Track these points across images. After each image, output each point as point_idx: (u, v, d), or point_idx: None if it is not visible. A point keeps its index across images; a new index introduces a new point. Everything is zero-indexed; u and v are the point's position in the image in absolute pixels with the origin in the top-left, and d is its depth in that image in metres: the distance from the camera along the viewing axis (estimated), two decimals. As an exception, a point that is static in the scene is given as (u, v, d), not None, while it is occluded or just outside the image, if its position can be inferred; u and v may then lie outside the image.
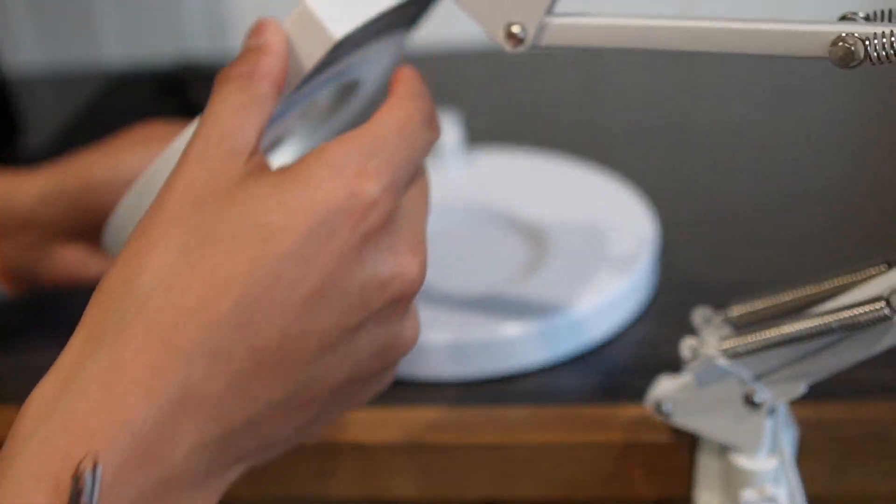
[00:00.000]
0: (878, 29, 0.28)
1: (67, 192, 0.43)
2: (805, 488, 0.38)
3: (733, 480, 0.38)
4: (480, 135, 0.58)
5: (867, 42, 0.28)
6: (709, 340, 0.36)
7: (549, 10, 0.32)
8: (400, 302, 0.27)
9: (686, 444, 0.40)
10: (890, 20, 0.29)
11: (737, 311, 0.37)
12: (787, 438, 0.39)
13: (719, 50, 0.30)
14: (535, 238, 0.52)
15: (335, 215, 0.24)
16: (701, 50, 0.30)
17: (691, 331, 0.39)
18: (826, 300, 0.35)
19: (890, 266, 0.34)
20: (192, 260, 0.24)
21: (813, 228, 0.56)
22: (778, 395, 0.36)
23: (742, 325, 0.37)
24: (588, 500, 0.43)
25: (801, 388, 0.36)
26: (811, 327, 0.33)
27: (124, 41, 1.00)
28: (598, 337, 0.46)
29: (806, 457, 0.40)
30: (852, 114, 0.75)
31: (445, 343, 0.44)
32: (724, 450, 0.39)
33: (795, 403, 0.41)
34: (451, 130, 0.59)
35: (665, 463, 0.41)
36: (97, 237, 0.43)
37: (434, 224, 0.33)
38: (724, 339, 0.35)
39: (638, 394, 0.43)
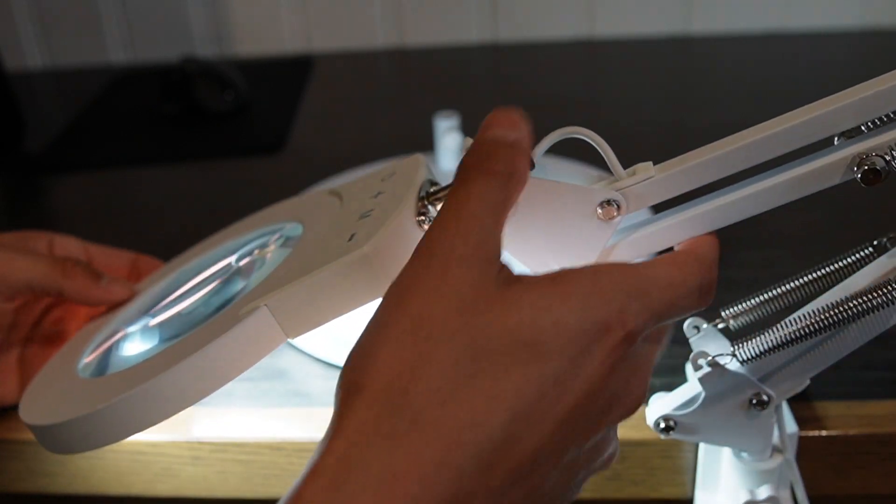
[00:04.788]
0: (886, 138, 0.28)
1: None
2: (806, 487, 0.38)
3: (735, 480, 0.38)
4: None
5: (887, 157, 0.28)
6: (712, 349, 0.36)
7: None
8: (615, 426, 0.28)
9: (687, 444, 0.40)
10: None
11: (727, 317, 0.37)
12: (789, 438, 0.39)
13: (760, 211, 0.31)
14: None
15: (594, 345, 0.25)
16: (744, 217, 0.31)
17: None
18: (816, 292, 0.35)
19: (878, 249, 0.35)
20: (465, 375, 0.24)
21: (810, 228, 0.56)
22: (783, 392, 0.35)
23: (736, 331, 0.36)
24: (588, 500, 0.43)
25: (805, 382, 0.35)
26: (824, 319, 0.32)
27: (129, 49, 1.00)
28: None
29: (807, 456, 0.40)
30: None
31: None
32: (725, 450, 0.39)
33: (796, 403, 0.41)
34: (451, 131, 0.59)
35: (665, 463, 0.41)
36: None
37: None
38: (732, 344, 0.35)
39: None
